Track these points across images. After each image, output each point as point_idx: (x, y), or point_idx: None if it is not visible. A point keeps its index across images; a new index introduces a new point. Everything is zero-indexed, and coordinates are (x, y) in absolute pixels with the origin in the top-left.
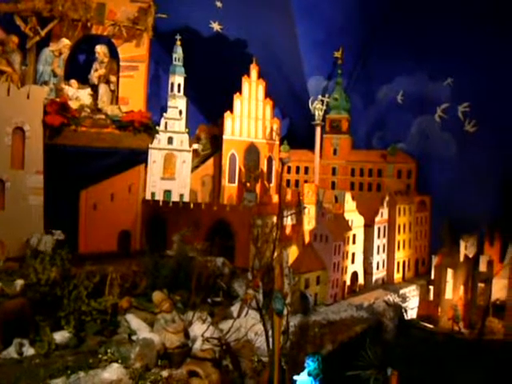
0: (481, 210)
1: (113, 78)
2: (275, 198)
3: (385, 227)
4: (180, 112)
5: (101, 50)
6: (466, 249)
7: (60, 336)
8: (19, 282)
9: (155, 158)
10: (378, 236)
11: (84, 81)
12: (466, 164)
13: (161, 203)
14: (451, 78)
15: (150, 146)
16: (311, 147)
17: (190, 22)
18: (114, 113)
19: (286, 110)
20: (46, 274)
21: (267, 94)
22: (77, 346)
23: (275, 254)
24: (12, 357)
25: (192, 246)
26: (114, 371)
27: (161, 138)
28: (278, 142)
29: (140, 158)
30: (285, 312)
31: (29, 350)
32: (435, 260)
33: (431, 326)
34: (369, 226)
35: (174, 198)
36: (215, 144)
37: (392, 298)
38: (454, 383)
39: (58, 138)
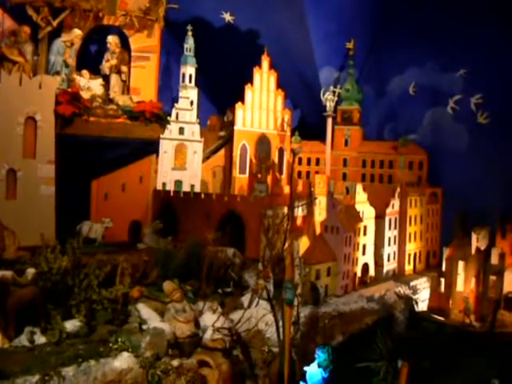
0: (493, 202)
1: (124, 69)
2: (286, 189)
3: (396, 219)
4: (191, 102)
5: (112, 40)
6: (477, 241)
7: (71, 324)
8: (30, 271)
9: (166, 148)
10: (389, 228)
11: (95, 71)
12: (478, 156)
13: (172, 193)
14: (464, 70)
15: (161, 136)
16: (322, 138)
17: (201, 12)
18: (126, 103)
19: (297, 100)
20: (58, 263)
21: (278, 85)
22: (87, 334)
23: (286, 245)
24: (24, 345)
25: (167, 240)
26: (124, 360)
27: (172, 129)
28: (289, 133)
29: (151, 148)
30: (295, 302)
31: (40, 339)
32: (446, 252)
33: (442, 319)
34: (380, 218)
35: (185, 188)
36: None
37: (403, 289)
38: (464, 376)
39: (69, 127)
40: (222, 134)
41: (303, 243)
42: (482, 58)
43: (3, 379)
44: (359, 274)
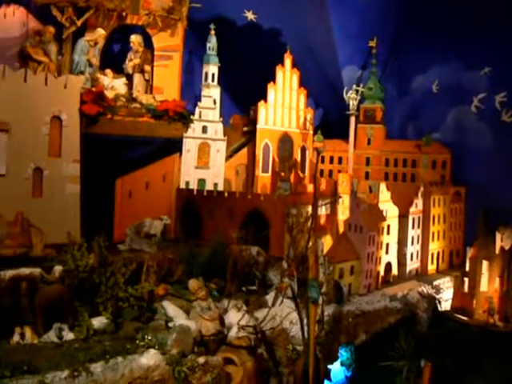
0: None
1: (147, 68)
2: (310, 188)
3: (419, 218)
4: (214, 101)
5: (135, 39)
6: (501, 240)
7: (98, 321)
8: (58, 269)
9: (189, 146)
10: (413, 227)
11: (119, 70)
12: (502, 154)
13: (195, 192)
14: (488, 68)
15: (184, 135)
16: (345, 137)
17: (223, 11)
18: (149, 102)
19: (319, 99)
20: (84, 261)
21: (301, 84)
22: (114, 331)
23: (310, 244)
24: (52, 341)
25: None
26: (151, 357)
27: (195, 127)
28: (311, 132)
29: (175, 146)
30: (320, 301)
31: (68, 335)
32: (470, 252)
33: (465, 318)
34: (403, 217)
35: (208, 186)
36: (249, 133)
37: (426, 289)
38: (488, 376)
39: (94, 126)
40: (246, 129)
41: (327, 242)
42: (506, 55)
43: (33, 374)
44: (382, 272)
